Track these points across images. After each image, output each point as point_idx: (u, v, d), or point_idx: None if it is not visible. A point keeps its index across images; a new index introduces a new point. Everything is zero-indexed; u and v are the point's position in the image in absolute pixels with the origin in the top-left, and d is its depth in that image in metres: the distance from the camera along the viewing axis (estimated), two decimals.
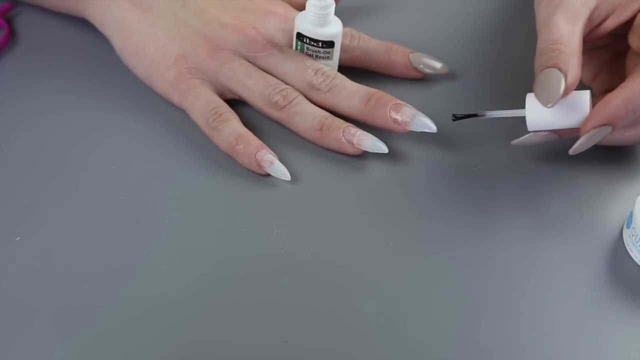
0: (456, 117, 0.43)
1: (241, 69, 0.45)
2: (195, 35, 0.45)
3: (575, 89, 0.40)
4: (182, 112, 0.45)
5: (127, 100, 0.46)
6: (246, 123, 0.44)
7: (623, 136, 0.42)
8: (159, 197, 0.41)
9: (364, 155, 0.43)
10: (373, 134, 0.43)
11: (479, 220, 0.41)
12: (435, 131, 0.43)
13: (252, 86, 0.44)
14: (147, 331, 0.36)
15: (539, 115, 0.40)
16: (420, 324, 0.37)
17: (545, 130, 0.42)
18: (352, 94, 0.44)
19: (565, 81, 0.38)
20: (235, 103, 0.45)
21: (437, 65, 0.47)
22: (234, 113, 0.44)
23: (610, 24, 0.42)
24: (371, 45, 0.47)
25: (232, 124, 0.43)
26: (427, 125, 0.43)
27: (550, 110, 0.40)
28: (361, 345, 0.36)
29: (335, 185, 0.42)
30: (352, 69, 0.47)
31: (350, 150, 0.43)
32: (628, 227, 0.40)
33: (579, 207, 0.42)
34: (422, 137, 0.43)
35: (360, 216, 0.41)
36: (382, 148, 0.43)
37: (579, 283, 0.39)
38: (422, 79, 0.48)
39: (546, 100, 0.39)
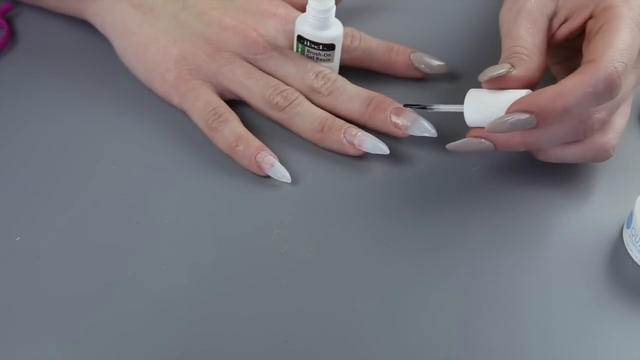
0: (406, 105, 0.43)
1: (241, 70, 0.45)
2: (195, 37, 0.45)
3: None
4: (183, 112, 0.45)
5: (127, 100, 0.46)
6: (246, 123, 0.44)
7: (566, 152, 0.41)
8: (159, 197, 0.41)
9: (364, 156, 0.44)
10: (374, 135, 0.43)
11: (479, 220, 0.41)
12: (435, 135, 0.43)
13: (253, 87, 0.44)
14: (147, 331, 0.36)
15: (476, 109, 0.40)
16: (420, 324, 0.37)
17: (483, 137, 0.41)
18: (352, 98, 0.44)
19: (510, 71, 0.39)
20: (236, 103, 0.45)
21: (439, 64, 0.47)
22: (234, 113, 0.44)
23: (566, 28, 0.42)
24: (372, 45, 0.47)
25: (232, 125, 0.43)
26: (428, 129, 0.43)
27: (488, 105, 0.40)
28: (361, 345, 0.36)
29: (336, 186, 0.42)
30: (353, 69, 0.47)
31: (351, 151, 0.43)
32: (628, 227, 0.40)
33: (579, 207, 0.42)
34: (423, 138, 0.43)
35: (360, 216, 0.41)
36: (383, 149, 0.43)
37: (579, 283, 0.39)
38: (423, 78, 0.48)
39: (482, 75, 0.40)
